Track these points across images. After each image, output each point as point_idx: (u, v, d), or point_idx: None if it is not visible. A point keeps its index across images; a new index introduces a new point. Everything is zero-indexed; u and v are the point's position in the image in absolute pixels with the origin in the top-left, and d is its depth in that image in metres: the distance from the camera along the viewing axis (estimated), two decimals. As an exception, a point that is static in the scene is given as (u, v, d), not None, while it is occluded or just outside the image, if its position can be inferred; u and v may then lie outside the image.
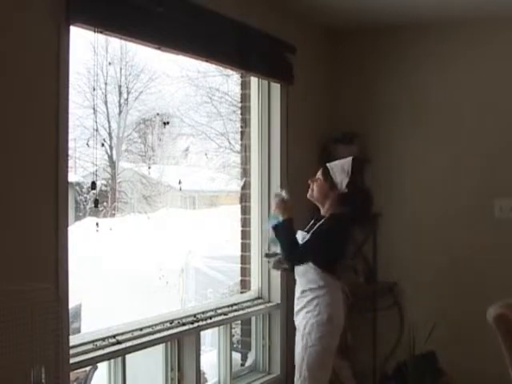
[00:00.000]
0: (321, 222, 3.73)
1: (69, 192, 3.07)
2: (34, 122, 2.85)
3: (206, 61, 4.03)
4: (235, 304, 4.39)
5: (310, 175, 3.85)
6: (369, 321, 5.14)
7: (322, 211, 3.80)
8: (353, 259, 5.18)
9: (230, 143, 5.59)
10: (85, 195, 5.03)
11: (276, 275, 4.57)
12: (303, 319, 3.72)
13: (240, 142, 4.77)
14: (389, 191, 5.13)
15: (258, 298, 4.63)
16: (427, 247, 4.99)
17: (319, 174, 3.79)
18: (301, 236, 3.77)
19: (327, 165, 3.77)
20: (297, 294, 3.80)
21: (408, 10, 4.63)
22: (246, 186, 4.67)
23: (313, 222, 3.83)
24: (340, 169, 3.69)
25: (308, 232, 3.77)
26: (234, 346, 4.68)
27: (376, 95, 5.20)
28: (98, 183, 4.47)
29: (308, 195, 3.83)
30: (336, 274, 3.74)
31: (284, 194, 3.86)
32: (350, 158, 3.73)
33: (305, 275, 3.73)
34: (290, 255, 3.78)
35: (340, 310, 3.75)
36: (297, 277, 3.81)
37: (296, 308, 3.81)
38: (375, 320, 5.16)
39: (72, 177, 4.56)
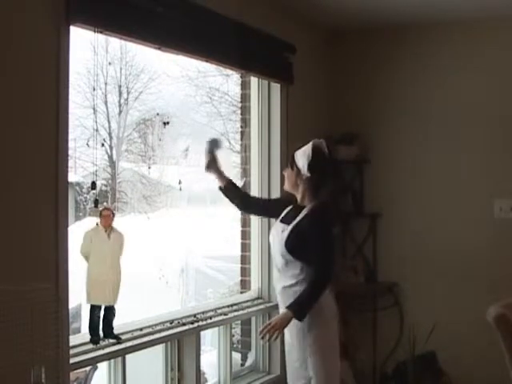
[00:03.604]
0: (302, 218, 3.46)
1: (69, 192, 3.07)
2: (34, 122, 2.85)
3: (206, 61, 4.03)
4: (235, 304, 4.39)
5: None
6: (369, 321, 5.14)
7: (299, 200, 3.57)
8: (353, 259, 5.19)
9: (230, 143, 5.58)
10: (85, 195, 5.03)
11: (276, 275, 4.56)
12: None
13: (240, 142, 4.77)
14: (389, 191, 5.14)
15: (258, 298, 4.63)
16: (427, 247, 5.00)
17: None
18: (280, 228, 3.50)
19: (295, 153, 3.61)
20: (278, 293, 3.56)
21: (409, 11, 4.64)
22: (245, 186, 4.67)
23: (290, 209, 3.60)
24: (302, 153, 3.54)
25: (284, 222, 3.53)
26: (234, 346, 4.68)
27: (376, 95, 5.20)
28: (98, 183, 4.46)
29: (284, 187, 3.68)
30: None
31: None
32: (312, 141, 3.57)
33: (287, 270, 3.46)
34: (324, 286, 3.39)
35: (329, 299, 3.47)
36: (277, 271, 3.55)
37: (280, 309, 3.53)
38: (375, 320, 5.16)
39: (72, 177, 4.55)
